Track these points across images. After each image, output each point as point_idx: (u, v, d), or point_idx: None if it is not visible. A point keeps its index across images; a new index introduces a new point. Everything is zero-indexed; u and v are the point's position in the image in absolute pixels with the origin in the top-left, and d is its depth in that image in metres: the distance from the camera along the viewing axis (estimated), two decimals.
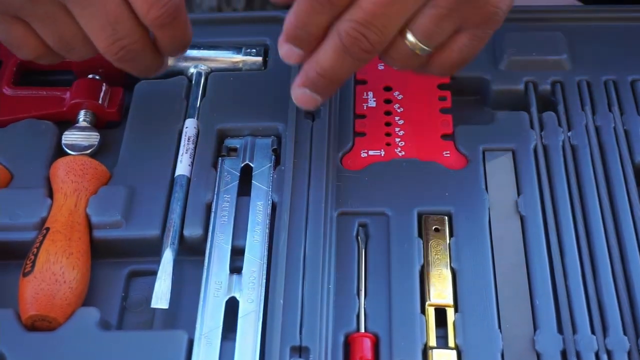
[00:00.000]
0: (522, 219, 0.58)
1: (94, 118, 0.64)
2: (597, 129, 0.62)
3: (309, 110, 0.60)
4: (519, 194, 0.59)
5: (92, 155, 0.62)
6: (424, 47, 0.55)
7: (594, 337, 0.53)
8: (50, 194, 0.59)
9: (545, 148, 0.62)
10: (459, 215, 0.58)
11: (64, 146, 0.62)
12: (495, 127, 0.63)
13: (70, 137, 0.63)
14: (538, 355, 0.52)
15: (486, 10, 0.54)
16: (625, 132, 0.62)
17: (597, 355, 0.52)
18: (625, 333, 0.53)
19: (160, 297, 0.54)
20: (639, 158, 0.61)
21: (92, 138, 0.63)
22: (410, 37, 0.54)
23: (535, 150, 0.61)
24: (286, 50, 0.56)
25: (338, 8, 0.53)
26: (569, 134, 0.62)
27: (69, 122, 0.64)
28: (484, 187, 0.60)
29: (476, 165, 0.61)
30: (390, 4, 0.53)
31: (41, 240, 0.55)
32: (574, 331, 0.53)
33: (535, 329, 0.53)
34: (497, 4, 0.54)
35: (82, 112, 0.64)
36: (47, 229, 0.56)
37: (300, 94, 0.57)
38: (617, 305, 0.54)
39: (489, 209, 0.59)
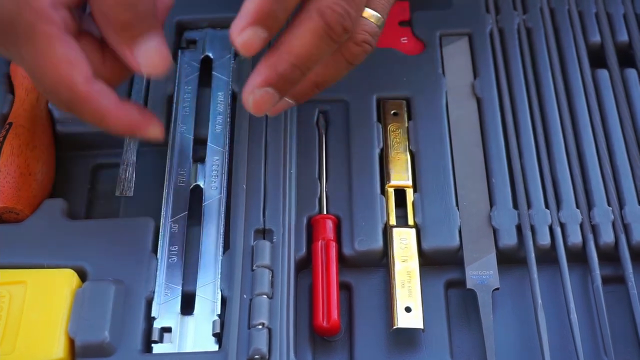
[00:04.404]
0: (478, 101, 0.59)
1: None
2: (551, 11, 0.63)
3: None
4: (475, 77, 0.60)
5: None
6: (383, 19, 0.50)
7: (548, 211, 0.54)
8: (12, 91, 0.59)
9: (501, 31, 0.62)
10: (417, 100, 0.59)
11: None
12: (452, 12, 0.63)
13: None
14: (494, 231, 0.54)
15: None
16: (580, 13, 0.63)
17: (550, 228, 0.54)
18: (577, 206, 0.55)
19: (125, 185, 0.55)
20: (593, 39, 0.62)
21: None
22: (371, 11, 0.49)
23: (491, 34, 0.62)
24: (250, 36, 0.46)
25: None
26: (524, 17, 0.63)
27: None
28: (441, 71, 0.61)
29: (433, 51, 0.61)
30: None
31: (4, 134, 0.56)
32: (529, 206, 0.55)
33: (491, 205, 0.55)
34: None
35: None
36: (10, 124, 0.56)
37: (260, 95, 0.47)
38: (571, 181, 0.56)
39: (446, 92, 0.60)
